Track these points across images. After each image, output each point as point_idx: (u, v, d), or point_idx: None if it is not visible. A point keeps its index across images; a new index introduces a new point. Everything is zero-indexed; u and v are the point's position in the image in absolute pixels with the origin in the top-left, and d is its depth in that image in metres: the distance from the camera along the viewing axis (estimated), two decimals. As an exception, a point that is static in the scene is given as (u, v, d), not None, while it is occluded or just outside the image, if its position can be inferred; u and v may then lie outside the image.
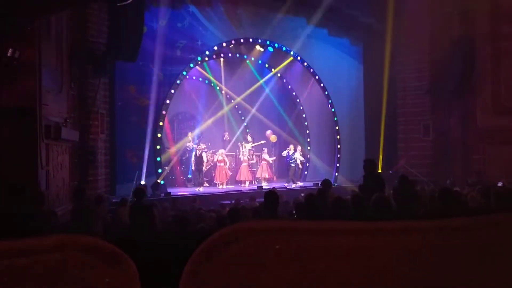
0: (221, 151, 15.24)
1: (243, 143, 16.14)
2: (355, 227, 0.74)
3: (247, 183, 15.51)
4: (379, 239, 0.74)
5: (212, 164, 15.46)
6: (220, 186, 14.78)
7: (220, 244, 0.67)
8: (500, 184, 9.06)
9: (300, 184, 15.23)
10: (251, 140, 16.35)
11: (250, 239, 0.67)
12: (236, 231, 0.68)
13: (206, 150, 15.01)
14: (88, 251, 0.66)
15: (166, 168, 14.18)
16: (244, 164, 15.62)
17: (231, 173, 15.54)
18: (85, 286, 0.65)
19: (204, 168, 14.78)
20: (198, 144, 15.05)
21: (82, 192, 6.83)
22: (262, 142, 16.61)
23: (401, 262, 0.74)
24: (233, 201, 10.48)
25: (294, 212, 6.51)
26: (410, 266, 0.74)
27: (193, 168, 15.33)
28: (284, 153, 15.87)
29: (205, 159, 14.61)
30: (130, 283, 0.66)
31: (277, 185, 14.50)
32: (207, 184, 15.03)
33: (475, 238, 0.78)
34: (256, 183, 15.82)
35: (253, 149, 16.23)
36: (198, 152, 14.49)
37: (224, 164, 15.04)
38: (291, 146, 15.82)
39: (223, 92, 17.03)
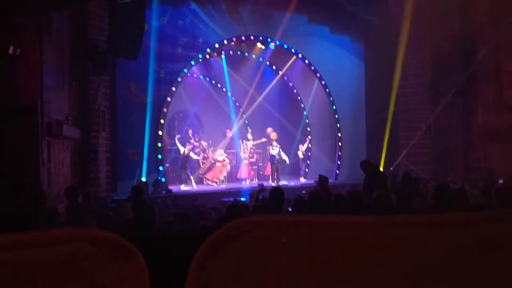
0: (220, 151, 15.11)
1: (244, 141, 16.08)
2: (359, 221, 0.75)
3: (248, 180, 15.47)
4: (383, 233, 0.75)
5: (212, 161, 15.33)
6: (214, 184, 14.67)
7: (226, 237, 0.68)
8: (501, 181, 9.05)
9: (283, 182, 14.66)
10: (251, 138, 16.28)
11: (256, 233, 0.68)
12: (242, 225, 0.69)
13: (201, 149, 14.84)
14: (96, 243, 0.67)
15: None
16: (245, 162, 15.58)
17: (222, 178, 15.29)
18: (94, 279, 0.65)
19: (201, 166, 14.78)
20: (199, 142, 15.02)
21: (74, 191, 6.82)
22: (263, 140, 16.46)
23: (404, 256, 0.74)
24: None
25: (292, 209, 6.48)
26: (412, 260, 0.74)
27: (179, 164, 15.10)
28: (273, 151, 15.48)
29: (195, 157, 14.56)
30: (139, 276, 0.67)
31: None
32: (208, 182, 14.97)
33: (476, 233, 0.79)
34: (257, 180, 15.78)
35: (253, 147, 16.16)
36: (186, 151, 14.34)
37: (223, 165, 14.91)
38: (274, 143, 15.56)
39: (224, 89, 17.00)
